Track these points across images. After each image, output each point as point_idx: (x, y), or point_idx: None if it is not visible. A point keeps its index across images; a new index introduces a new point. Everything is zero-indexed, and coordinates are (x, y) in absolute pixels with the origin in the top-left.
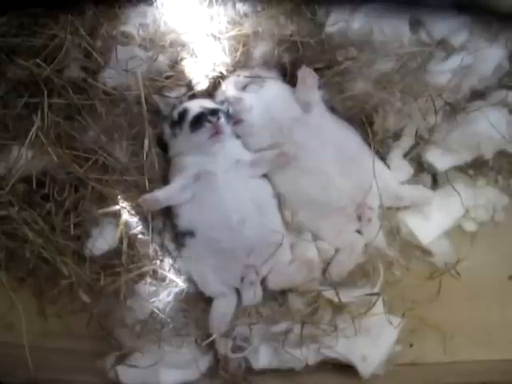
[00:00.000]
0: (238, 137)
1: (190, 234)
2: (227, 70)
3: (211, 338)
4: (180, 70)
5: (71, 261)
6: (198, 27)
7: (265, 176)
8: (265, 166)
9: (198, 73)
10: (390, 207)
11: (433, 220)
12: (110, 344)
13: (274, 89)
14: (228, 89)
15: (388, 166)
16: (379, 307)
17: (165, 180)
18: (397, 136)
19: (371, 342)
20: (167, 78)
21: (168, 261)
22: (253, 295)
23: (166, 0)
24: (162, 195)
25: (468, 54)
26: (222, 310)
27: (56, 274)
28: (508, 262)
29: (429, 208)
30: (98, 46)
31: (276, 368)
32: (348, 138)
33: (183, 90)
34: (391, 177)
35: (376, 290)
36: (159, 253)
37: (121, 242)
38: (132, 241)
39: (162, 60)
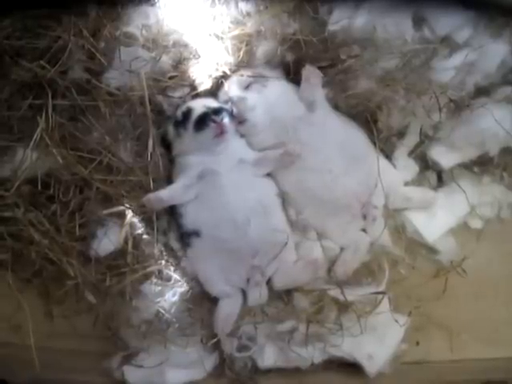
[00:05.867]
0: (241, 136)
1: (196, 233)
2: (230, 70)
3: (217, 338)
4: (183, 70)
5: (77, 261)
6: (201, 27)
7: (269, 175)
8: (269, 166)
9: (202, 73)
10: (396, 209)
11: (438, 218)
12: (115, 344)
13: (277, 88)
14: (231, 88)
15: (394, 165)
16: (385, 306)
17: (169, 180)
18: (401, 134)
19: (377, 340)
20: (170, 78)
21: (173, 261)
22: (258, 296)
23: (169, 0)
24: (166, 194)
25: (472, 51)
26: (228, 310)
27: (62, 275)
28: None
29: (434, 206)
30: (101, 47)
31: (281, 367)
32: (352, 137)
33: (187, 90)
34: (397, 177)
35: (381, 288)
36: (164, 253)
37: (126, 242)
38: (137, 241)
39: (165, 60)
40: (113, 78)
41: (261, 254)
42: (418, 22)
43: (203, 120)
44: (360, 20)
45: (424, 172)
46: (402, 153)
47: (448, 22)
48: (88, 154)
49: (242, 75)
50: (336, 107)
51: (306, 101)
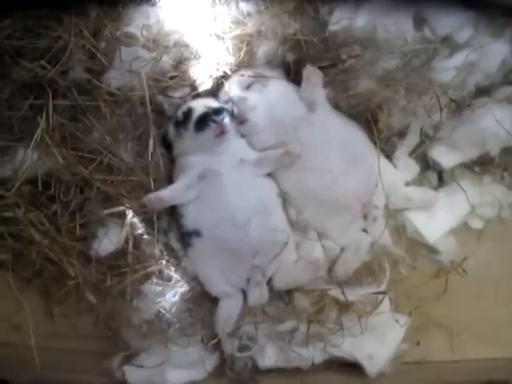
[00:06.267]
0: (242, 136)
1: (196, 233)
2: (231, 70)
3: (217, 338)
4: (184, 70)
5: (77, 261)
6: (202, 27)
7: (269, 175)
8: (269, 166)
9: (202, 73)
10: (396, 209)
11: (439, 218)
12: (116, 344)
13: (277, 88)
14: (232, 88)
15: (394, 165)
16: (386, 306)
17: (170, 180)
18: (402, 134)
19: (377, 340)
20: (171, 78)
21: (174, 261)
22: (259, 296)
23: (169, 0)
24: (167, 194)
25: (473, 51)
26: (228, 310)
27: (62, 275)
28: None
29: (434, 206)
30: (101, 48)
31: (282, 367)
32: (353, 137)
33: (187, 90)
34: (397, 177)
35: (382, 288)
36: (165, 253)
37: (126, 242)
38: (137, 241)
39: (166, 60)
40: (113, 78)
41: (261, 254)
42: (419, 22)
43: (204, 120)
44: (361, 20)
45: (425, 172)
46: (402, 153)
47: (449, 22)
48: (89, 154)
49: (242, 75)
50: (337, 107)
51: (307, 101)
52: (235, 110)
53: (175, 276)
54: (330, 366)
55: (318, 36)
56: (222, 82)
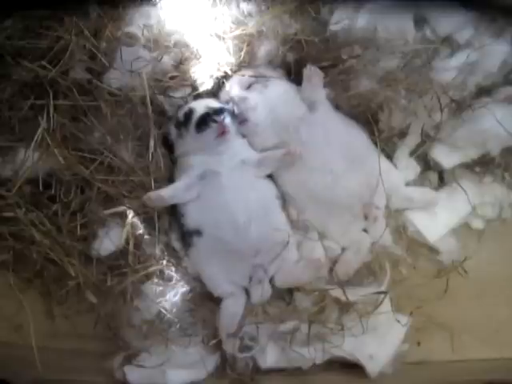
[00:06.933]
0: (243, 136)
1: (197, 233)
2: (232, 70)
3: (218, 338)
4: (184, 71)
5: (78, 262)
6: (202, 27)
7: (270, 175)
8: (270, 166)
9: (203, 73)
10: (397, 209)
11: (439, 218)
12: (117, 344)
13: (278, 88)
14: (233, 88)
15: (395, 165)
16: (387, 306)
17: (170, 180)
18: (402, 134)
19: (378, 340)
20: (172, 78)
21: (174, 261)
22: (261, 293)
23: (170, 0)
24: (167, 193)
25: (473, 51)
26: (232, 310)
27: (63, 275)
28: None
29: (435, 206)
30: (102, 48)
31: (283, 367)
32: (354, 137)
33: (188, 90)
34: (398, 177)
35: (383, 288)
36: (165, 253)
37: (127, 242)
38: (138, 241)
39: (167, 60)
40: (114, 78)
41: (262, 253)
42: (420, 23)
43: (205, 120)
44: (361, 20)
45: (425, 172)
46: (403, 153)
47: (449, 23)
48: (89, 154)
49: (243, 75)
50: (337, 107)
51: (308, 101)
52: (236, 110)
53: (176, 276)
54: (331, 366)
55: (319, 36)
56: (223, 82)
